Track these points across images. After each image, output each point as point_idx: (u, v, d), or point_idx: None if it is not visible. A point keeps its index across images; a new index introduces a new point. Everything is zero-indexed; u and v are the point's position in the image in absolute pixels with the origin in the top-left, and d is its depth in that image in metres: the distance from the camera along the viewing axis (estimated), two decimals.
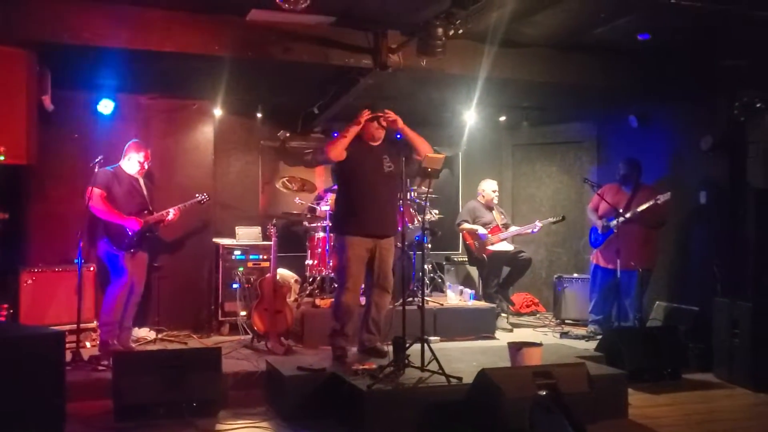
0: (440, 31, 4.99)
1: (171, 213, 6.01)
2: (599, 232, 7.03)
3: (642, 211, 6.60)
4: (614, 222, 6.73)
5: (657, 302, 7.27)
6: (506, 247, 7.55)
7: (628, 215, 6.64)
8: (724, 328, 5.95)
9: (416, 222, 7.06)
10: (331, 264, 6.66)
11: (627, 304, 6.80)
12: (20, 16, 5.04)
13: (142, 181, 6.04)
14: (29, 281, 6.09)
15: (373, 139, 5.46)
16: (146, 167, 6.02)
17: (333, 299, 5.54)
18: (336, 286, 5.64)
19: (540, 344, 5.02)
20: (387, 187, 5.44)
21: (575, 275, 8.10)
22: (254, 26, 5.48)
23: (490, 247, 7.48)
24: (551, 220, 7.60)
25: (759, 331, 5.67)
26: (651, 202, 6.54)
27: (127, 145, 5.99)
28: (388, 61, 5.65)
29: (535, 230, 7.61)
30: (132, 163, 5.94)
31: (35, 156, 5.54)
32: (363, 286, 5.56)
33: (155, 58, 5.62)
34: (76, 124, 6.61)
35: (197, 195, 6.27)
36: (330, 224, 6.00)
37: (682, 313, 6.86)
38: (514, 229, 7.71)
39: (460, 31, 5.06)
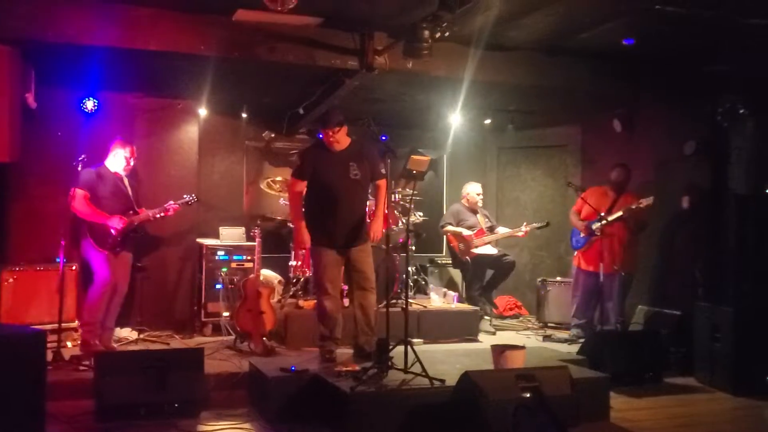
0: (427, 33, 5.00)
1: (160, 215, 5.99)
2: (581, 235, 7.08)
3: (623, 214, 6.65)
4: (597, 225, 6.78)
5: (639, 306, 7.31)
6: (490, 250, 7.56)
7: (610, 218, 6.68)
8: (706, 333, 6.00)
9: (400, 224, 7.06)
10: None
11: (609, 307, 6.83)
12: (3, 12, 4.99)
13: (126, 181, 6.00)
14: (10, 280, 6.02)
15: (333, 146, 5.36)
16: (132, 163, 5.99)
17: (316, 306, 5.52)
18: (316, 292, 5.61)
19: (523, 347, 5.03)
20: (353, 195, 5.39)
21: (558, 278, 8.14)
22: (240, 26, 5.47)
23: (475, 250, 7.49)
24: (536, 225, 7.62)
25: (740, 336, 5.72)
26: (633, 206, 6.59)
27: (111, 144, 5.95)
28: (374, 63, 5.66)
29: (520, 234, 7.62)
30: (118, 159, 5.90)
31: (18, 153, 5.48)
32: (346, 288, 5.54)
33: (140, 57, 5.59)
34: (60, 122, 6.54)
35: (185, 196, 6.24)
36: None
37: (663, 318, 6.89)
38: (502, 231, 7.71)
39: (447, 34, 5.08)
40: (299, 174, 5.37)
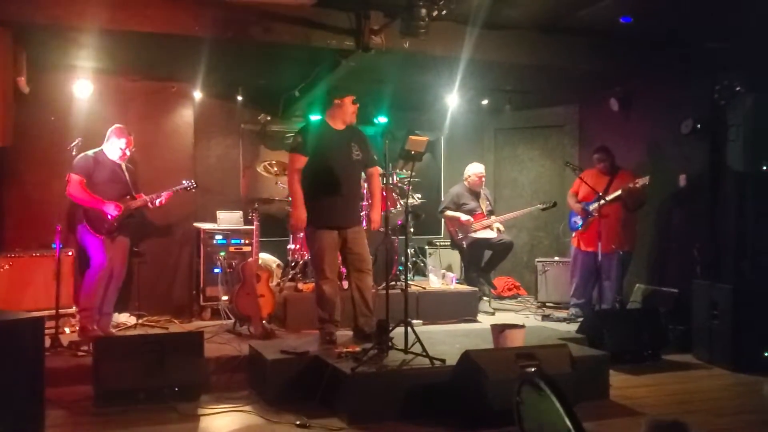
0: (423, 11, 4.94)
1: (157, 201, 5.95)
2: (578, 215, 7.09)
3: (621, 193, 6.65)
4: (594, 206, 6.80)
5: (637, 285, 7.33)
6: (489, 234, 7.52)
7: (608, 198, 6.69)
8: (704, 310, 6.02)
9: (399, 206, 7.03)
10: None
11: (607, 286, 6.85)
12: None
13: (124, 166, 5.94)
14: (6, 266, 5.99)
15: (342, 123, 5.37)
16: (128, 154, 5.92)
17: (315, 290, 5.51)
18: (314, 275, 5.61)
19: (522, 326, 5.04)
20: (353, 176, 5.42)
21: (556, 258, 8.14)
22: (235, 6, 5.41)
23: (473, 235, 7.46)
24: (540, 206, 7.60)
25: (738, 313, 5.74)
26: (630, 185, 6.62)
27: (110, 130, 5.89)
28: (371, 43, 5.59)
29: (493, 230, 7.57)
30: (114, 148, 5.85)
31: (11, 137, 5.43)
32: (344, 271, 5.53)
33: (134, 39, 5.52)
34: (53, 106, 6.50)
35: (184, 181, 6.20)
36: None
37: (662, 296, 6.92)
38: (493, 219, 7.66)
39: (444, 12, 5.03)
40: (302, 149, 5.28)
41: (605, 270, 6.80)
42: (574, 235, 7.24)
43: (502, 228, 7.54)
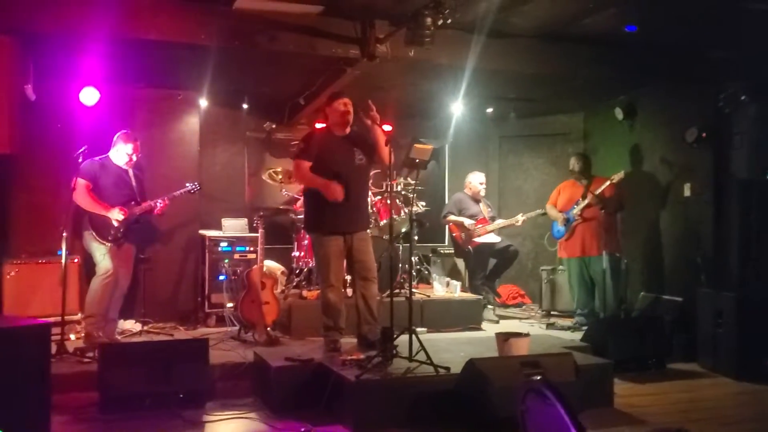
0: (429, 20, 4.98)
1: (159, 204, 5.96)
2: (559, 225, 7.17)
3: (600, 194, 6.80)
4: (574, 210, 6.94)
5: (641, 293, 7.33)
6: (493, 239, 7.54)
7: (587, 201, 6.87)
8: (708, 319, 6.02)
9: (403, 214, 7.05)
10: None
11: (604, 291, 6.86)
12: (3, 2, 4.95)
13: (131, 172, 5.96)
14: (12, 273, 6.03)
15: (341, 129, 5.41)
16: (134, 159, 5.93)
17: (320, 297, 5.52)
18: (319, 283, 5.62)
19: (527, 335, 5.04)
20: (358, 180, 5.42)
21: (561, 267, 8.13)
22: (241, 15, 5.44)
23: (477, 239, 7.48)
24: (540, 212, 7.61)
25: (743, 321, 5.74)
26: (606, 183, 6.78)
27: (116, 135, 5.91)
28: (376, 52, 5.62)
29: (518, 223, 7.61)
30: (120, 154, 5.87)
31: (18, 145, 5.47)
32: (349, 278, 5.53)
33: (140, 47, 5.57)
34: (59, 113, 6.53)
35: (187, 184, 6.22)
36: (303, 221, 5.83)
37: (666, 304, 6.92)
38: (499, 222, 7.69)
39: (449, 21, 5.06)
40: (306, 155, 5.31)
41: (599, 276, 6.85)
42: (558, 245, 7.34)
43: (521, 220, 7.55)
